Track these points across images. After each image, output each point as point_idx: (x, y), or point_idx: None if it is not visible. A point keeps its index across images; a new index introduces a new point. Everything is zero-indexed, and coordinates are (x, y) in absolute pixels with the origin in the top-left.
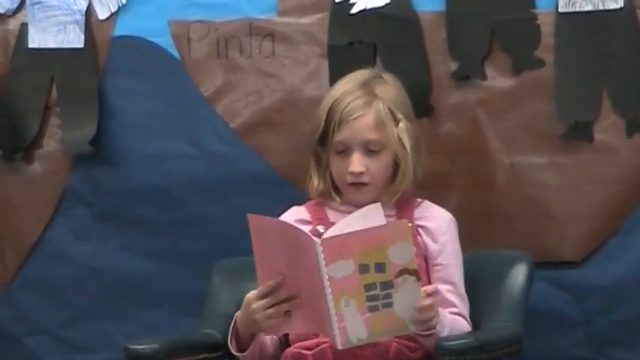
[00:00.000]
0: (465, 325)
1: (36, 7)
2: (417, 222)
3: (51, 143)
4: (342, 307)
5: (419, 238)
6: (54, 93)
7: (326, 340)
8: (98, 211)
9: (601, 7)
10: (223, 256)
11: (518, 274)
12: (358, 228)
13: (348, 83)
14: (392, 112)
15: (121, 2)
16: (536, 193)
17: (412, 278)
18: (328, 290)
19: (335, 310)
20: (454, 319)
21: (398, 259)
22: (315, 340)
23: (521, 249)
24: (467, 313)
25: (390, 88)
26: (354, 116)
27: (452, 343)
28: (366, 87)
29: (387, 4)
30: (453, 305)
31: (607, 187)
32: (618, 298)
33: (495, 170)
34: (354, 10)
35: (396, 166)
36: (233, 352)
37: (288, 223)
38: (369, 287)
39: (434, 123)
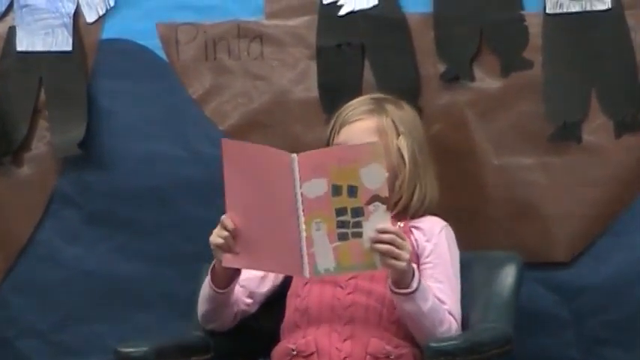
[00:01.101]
0: (447, 319)
1: (24, 10)
2: (412, 223)
3: (40, 146)
4: (312, 231)
5: (412, 237)
6: (42, 96)
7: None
8: (88, 213)
9: (589, 8)
10: (214, 257)
11: (508, 275)
12: None
13: (363, 97)
14: (395, 126)
15: (109, 5)
16: (525, 194)
17: (383, 207)
18: (301, 210)
19: (305, 234)
20: (438, 304)
21: (370, 182)
22: (301, 334)
23: (511, 250)
24: (457, 313)
25: (401, 112)
26: (354, 119)
27: (441, 344)
28: (377, 101)
29: (375, 6)
30: (442, 302)
31: (596, 188)
32: (608, 299)
33: (484, 171)
34: (342, 12)
35: (395, 178)
36: (209, 284)
37: (262, 145)
38: (340, 212)
39: (423, 124)
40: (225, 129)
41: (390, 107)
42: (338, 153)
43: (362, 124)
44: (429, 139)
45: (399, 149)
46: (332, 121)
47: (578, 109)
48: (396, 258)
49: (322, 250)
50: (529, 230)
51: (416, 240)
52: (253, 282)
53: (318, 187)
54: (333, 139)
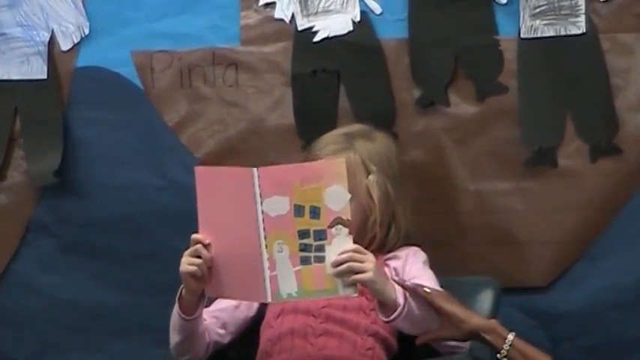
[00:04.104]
0: None
1: None
2: (388, 256)
3: (15, 175)
4: (275, 253)
5: (386, 270)
6: (18, 124)
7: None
8: (64, 242)
9: (563, 33)
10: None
11: (485, 300)
12: None
13: (332, 132)
14: (364, 165)
15: (84, 33)
16: (502, 219)
17: (345, 230)
18: (262, 228)
19: (267, 255)
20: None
21: (333, 204)
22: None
23: (488, 275)
24: None
25: (371, 145)
26: (322, 158)
27: None
28: (347, 137)
29: (350, 32)
30: None
31: (572, 213)
32: (585, 324)
33: (461, 197)
34: (317, 38)
35: (366, 217)
36: (177, 313)
37: (229, 167)
38: (302, 234)
39: (399, 150)
40: (201, 156)
41: (360, 144)
42: (301, 170)
43: None
44: (405, 165)
45: (367, 190)
46: (305, 155)
47: (554, 133)
48: (360, 271)
49: (284, 274)
50: (506, 255)
51: (394, 269)
52: (226, 312)
53: (279, 205)
54: None
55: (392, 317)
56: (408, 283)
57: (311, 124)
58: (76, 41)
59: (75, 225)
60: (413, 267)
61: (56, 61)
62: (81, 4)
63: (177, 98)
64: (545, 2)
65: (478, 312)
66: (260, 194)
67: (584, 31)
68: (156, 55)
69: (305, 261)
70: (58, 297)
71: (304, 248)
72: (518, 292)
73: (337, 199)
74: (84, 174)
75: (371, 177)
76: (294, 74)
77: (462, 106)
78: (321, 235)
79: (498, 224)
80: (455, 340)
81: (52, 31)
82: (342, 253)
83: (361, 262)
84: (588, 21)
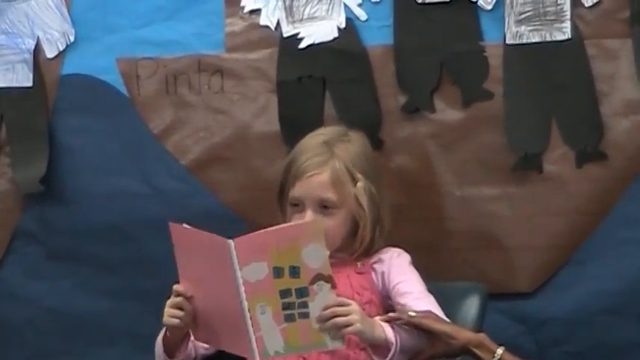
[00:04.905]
0: None
1: None
2: (372, 260)
3: (1, 183)
4: (257, 315)
5: (372, 275)
6: (3, 132)
7: None
8: (51, 250)
9: (549, 39)
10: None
11: (471, 306)
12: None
13: (310, 140)
14: (350, 172)
15: (69, 40)
16: (488, 225)
17: (327, 286)
18: (243, 295)
19: (251, 318)
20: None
21: (312, 262)
22: None
23: (474, 281)
24: (440, 313)
25: (351, 147)
26: (308, 174)
27: None
28: (326, 145)
29: (335, 39)
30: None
31: (558, 218)
32: (571, 329)
33: (446, 203)
34: (302, 45)
35: (354, 223)
36: (162, 354)
37: (203, 232)
38: (284, 293)
39: (384, 157)
40: (186, 164)
41: (340, 150)
42: (276, 235)
43: (317, 179)
44: (391, 171)
45: (356, 198)
46: (286, 168)
47: (540, 139)
48: (347, 324)
49: (269, 333)
50: (492, 261)
51: (382, 273)
52: None
53: (258, 270)
54: (288, 192)
55: (388, 358)
56: (391, 314)
57: (296, 130)
58: (61, 49)
59: (61, 232)
60: (399, 270)
61: (42, 68)
62: (66, 12)
63: (162, 105)
64: (530, 8)
65: (464, 317)
66: (238, 262)
67: (570, 36)
68: (141, 62)
69: (289, 318)
70: (44, 304)
71: (287, 306)
72: (505, 297)
73: (316, 256)
74: (70, 181)
75: (359, 185)
76: (279, 81)
77: (447, 112)
78: (303, 292)
79: (484, 230)
80: (447, 356)
81: (38, 38)
82: (326, 308)
83: (346, 314)
84: (574, 27)
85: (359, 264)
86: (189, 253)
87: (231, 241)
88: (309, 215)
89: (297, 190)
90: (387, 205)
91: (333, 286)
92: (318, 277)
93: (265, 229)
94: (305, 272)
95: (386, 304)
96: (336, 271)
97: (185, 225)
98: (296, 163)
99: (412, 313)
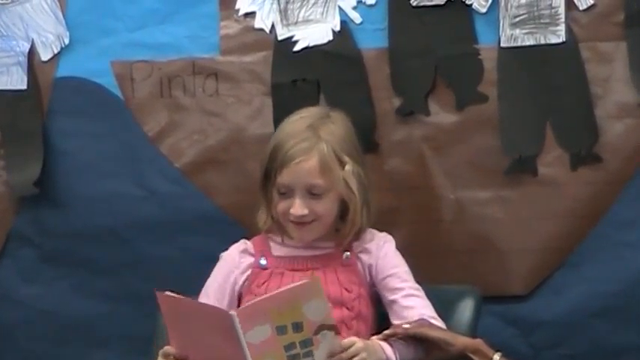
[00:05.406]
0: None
1: None
2: (359, 249)
3: None
4: None
5: (359, 266)
6: None
7: None
8: (45, 252)
9: (543, 42)
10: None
11: (466, 309)
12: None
13: (294, 124)
14: (337, 155)
15: (64, 43)
16: (482, 228)
17: (331, 333)
18: (249, 357)
19: None
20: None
21: (314, 315)
22: None
23: (469, 283)
24: (429, 310)
25: (336, 129)
26: (296, 160)
27: None
28: (311, 129)
29: (330, 42)
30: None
31: (552, 221)
32: (566, 332)
33: (441, 206)
34: (297, 48)
35: (343, 205)
36: None
37: (199, 302)
38: (289, 347)
39: (379, 159)
40: (180, 166)
41: (325, 132)
42: (276, 300)
43: (305, 166)
44: (385, 174)
45: (345, 181)
46: (268, 154)
47: (534, 142)
48: None
49: None
50: (486, 264)
51: (369, 265)
52: None
53: (262, 332)
54: (274, 179)
55: None
56: (387, 332)
57: None
58: (56, 51)
59: (55, 235)
60: (386, 262)
61: (36, 71)
62: (61, 14)
63: (157, 108)
64: (524, 11)
65: (459, 321)
66: (241, 329)
67: (564, 40)
68: (136, 65)
69: None
70: (39, 307)
71: (293, 358)
72: (499, 300)
73: (317, 311)
74: (64, 184)
75: (347, 168)
76: (274, 84)
77: (442, 115)
78: (307, 343)
79: (479, 233)
80: None
81: (32, 41)
82: (331, 355)
83: (351, 357)
84: (568, 30)
85: (344, 255)
86: (181, 320)
87: (233, 313)
88: (297, 203)
89: (284, 178)
90: (371, 181)
91: (337, 333)
92: (322, 328)
93: (263, 297)
94: (308, 326)
95: (372, 292)
96: (323, 267)
97: (170, 293)
98: (282, 149)
99: (406, 326)
